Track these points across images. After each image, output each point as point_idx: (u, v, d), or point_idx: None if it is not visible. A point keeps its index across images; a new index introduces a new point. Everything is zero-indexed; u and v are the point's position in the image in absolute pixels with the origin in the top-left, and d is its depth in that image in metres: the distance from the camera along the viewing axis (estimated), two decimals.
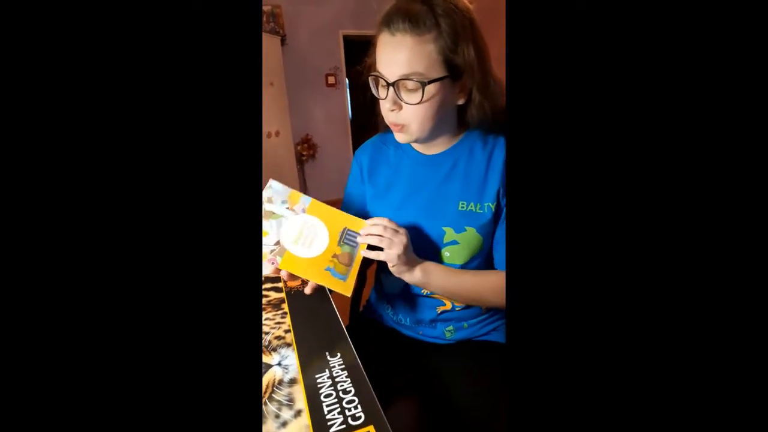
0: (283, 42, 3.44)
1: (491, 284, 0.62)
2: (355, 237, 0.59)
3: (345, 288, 0.58)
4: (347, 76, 3.84)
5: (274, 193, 0.61)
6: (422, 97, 0.55)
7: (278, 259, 0.58)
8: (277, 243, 0.59)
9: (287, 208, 0.60)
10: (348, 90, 3.93)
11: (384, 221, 0.58)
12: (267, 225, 0.59)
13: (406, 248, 0.56)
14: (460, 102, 0.61)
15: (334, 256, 0.59)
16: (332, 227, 0.60)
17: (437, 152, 0.66)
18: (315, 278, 0.58)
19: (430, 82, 0.55)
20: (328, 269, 0.58)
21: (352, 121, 4.01)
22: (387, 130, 0.74)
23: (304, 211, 0.60)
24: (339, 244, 0.59)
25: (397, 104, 0.58)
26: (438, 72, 0.55)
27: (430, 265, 0.61)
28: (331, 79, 3.80)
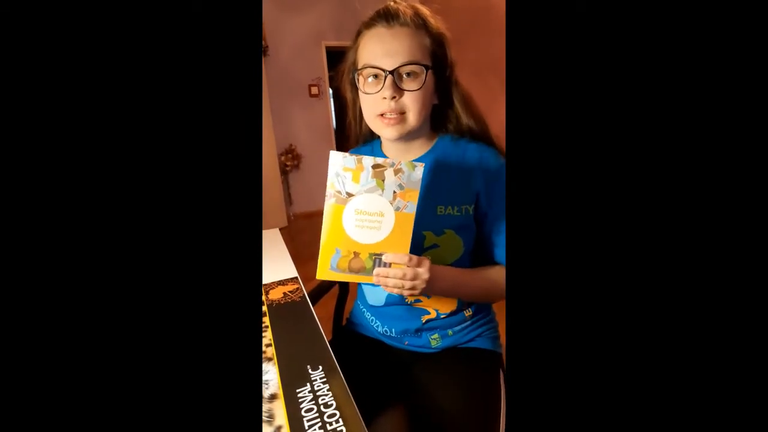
0: (264, 53, 3.44)
1: (496, 277, 0.64)
2: (380, 263, 0.54)
3: (323, 271, 0.54)
4: (330, 87, 3.86)
5: (406, 174, 0.52)
6: (424, 82, 0.58)
7: (332, 201, 0.52)
8: (349, 194, 0.52)
9: (394, 192, 0.52)
10: (332, 100, 3.94)
11: (402, 269, 0.53)
12: (365, 178, 0.51)
13: (429, 277, 0.55)
14: (435, 102, 0.64)
15: (355, 254, 0.54)
16: (388, 243, 0.53)
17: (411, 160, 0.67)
18: (324, 237, 0.53)
19: (429, 68, 0.59)
20: (336, 251, 0.53)
21: (336, 131, 4.02)
22: (360, 144, 0.74)
23: (397, 209, 0.53)
24: (370, 255, 0.54)
25: (398, 92, 0.58)
26: (430, 63, 0.60)
27: (436, 270, 0.58)
28: (314, 90, 3.81)
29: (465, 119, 0.65)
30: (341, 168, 0.52)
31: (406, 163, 0.51)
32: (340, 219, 0.52)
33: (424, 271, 0.54)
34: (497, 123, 0.63)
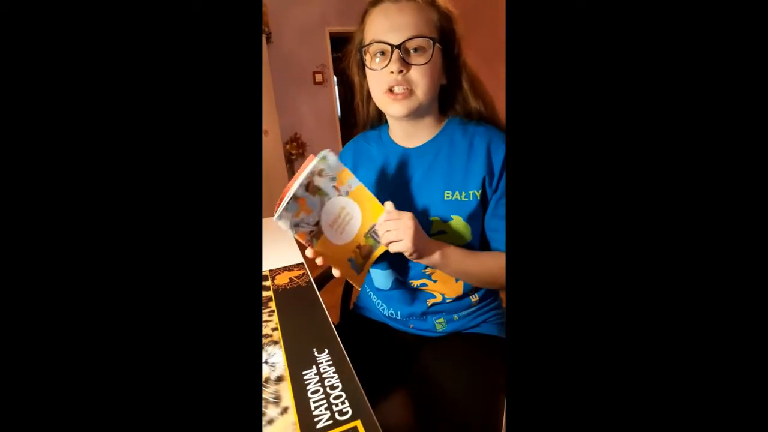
0: (268, 40, 3.41)
1: (502, 264, 0.63)
2: (375, 235, 0.58)
3: (357, 280, 0.58)
4: (335, 74, 3.82)
5: (327, 168, 0.55)
6: (431, 56, 0.58)
7: (314, 242, 0.56)
8: (317, 224, 0.56)
9: (333, 186, 0.55)
10: (336, 87, 3.91)
11: (388, 212, 0.57)
12: (311, 202, 0.55)
13: (415, 233, 0.55)
14: (443, 82, 0.63)
15: (358, 246, 0.57)
16: (366, 217, 0.57)
17: (419, 144, 0.66)
18: (336, 266, 0.57)
19: (438, 41, 0.58)
20: (349, 259, 0.57)
21: (341, 118, 3.99)
22: (368, 128, 0.74)
23: (347, 194, 0.56)
24: (366, 235, 0.57)
25: (405, 66, 0.58)
26: (438, 38, 0.59)
27: (448, 248, 0.60)
28: (319, 77, 3.78)
29: (473, 101, 0.64)
30: (293, 219, 0.54)
31: (317, 161, 0.54)
32: (329, 242, 0.56)
33: (407, 218, 0.55)
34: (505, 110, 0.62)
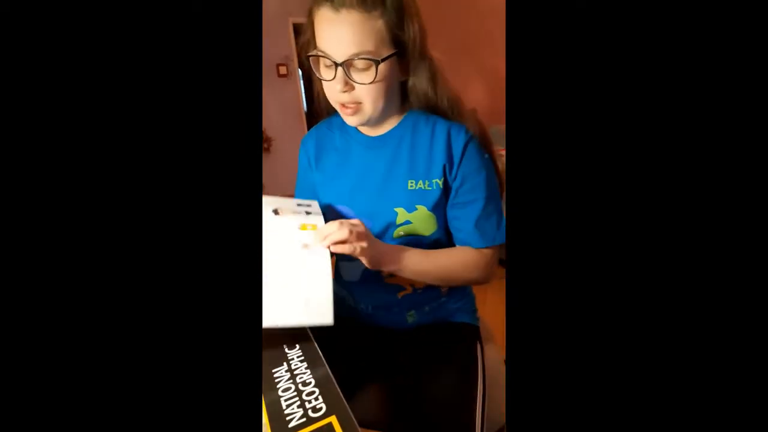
0: None
1: (462, 260, 0.62)
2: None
3: None
4: (299, 66, 3.74)
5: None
6: (375, 76, 0.54)
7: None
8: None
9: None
10: (301, 80, 3.83)
11: (334, 223, 0.54)
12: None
13: (369, 239, 0.54)
14: (403, 79, 0.61)
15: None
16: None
17: (382, 133, 0.65)
18: None
19: (382, 60, 0.54)
20: None
21: (307, 111, 3.92)
22: (330, 115, 0.72)
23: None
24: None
25: (349, 85, 0.56)
26: (387, 49, 0.54)
27: (404, 251, 0.59)
28: (283, 69, 3.68)
29: (433, 95, 0.61)
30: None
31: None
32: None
33: (357, 222, 0.53)
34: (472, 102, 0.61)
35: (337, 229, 0.51)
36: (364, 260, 0.55)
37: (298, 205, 0.60)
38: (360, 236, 0.52)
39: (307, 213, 0.58)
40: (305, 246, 0.53)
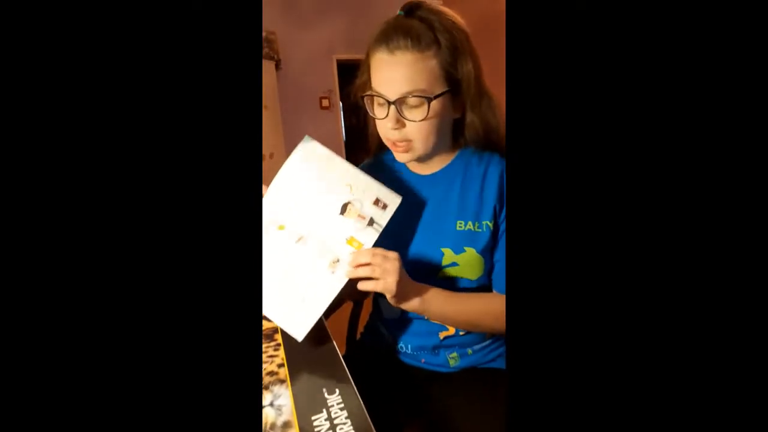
0: (277, 67, 3.49)
1: (492, 309, 0.59)
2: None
3: None
4: (341, 99, 3.89)
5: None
6: (427, 113, 0.54)
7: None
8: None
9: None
10: (342, 112, 3.97)
11: (370, 250, 0.53)
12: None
13: (400, 274, 0.52)
14: (456, 116, 0.60)
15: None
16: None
17: (433, 172, 0.65)
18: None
19: (435, 98, 0.54)
20: None
21: (346, 142, 4.03)
22: (379, 152, 0.72)
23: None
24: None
25: (401, 122, 0.56)
26: (440, 87, 0.55)
27: (430, 291, 0.57)
28: (325, 102, 3.84)
29: (487, 132, 0.61)
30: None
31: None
32: None
33: (393, 257, 0.52)
34: None
35: (369, 257, 0.52)
36: (388, 296, 0.53)
37: (376, 199, 0.55)
38: (388, 270, 0.51)
39: (372, 222, 0.54)
40: (335, 262, 0.52)
